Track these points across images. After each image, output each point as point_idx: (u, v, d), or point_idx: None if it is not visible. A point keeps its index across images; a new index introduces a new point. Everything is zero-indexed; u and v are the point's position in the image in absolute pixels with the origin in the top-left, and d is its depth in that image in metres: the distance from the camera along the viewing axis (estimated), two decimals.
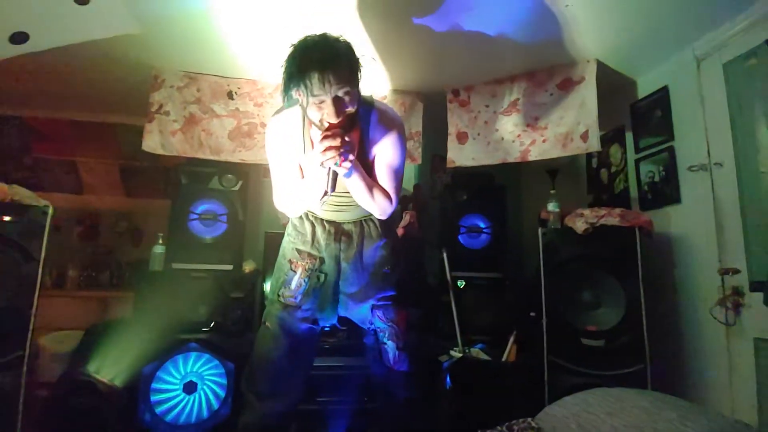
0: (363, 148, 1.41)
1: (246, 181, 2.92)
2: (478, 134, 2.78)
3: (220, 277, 2.68)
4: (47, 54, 2.32)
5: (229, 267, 2.73)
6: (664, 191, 2.45)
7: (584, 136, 2.44)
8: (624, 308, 2.26)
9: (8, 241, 2.04)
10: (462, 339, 2.64)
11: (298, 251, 1.58)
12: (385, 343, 1.57)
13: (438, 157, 3.43)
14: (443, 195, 3.30)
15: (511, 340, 2.56)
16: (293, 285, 1.54)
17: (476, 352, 2.64)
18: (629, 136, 2.77)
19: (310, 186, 1.38)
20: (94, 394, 2.25)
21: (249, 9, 2.09)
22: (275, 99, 2.84)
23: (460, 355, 2.47)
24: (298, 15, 2.09)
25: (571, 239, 2.37)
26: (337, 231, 1.58)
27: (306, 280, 1.54)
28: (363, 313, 1.61)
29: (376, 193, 1.43)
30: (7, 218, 2.05)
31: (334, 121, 1.21)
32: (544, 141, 2.58)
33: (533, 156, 2.60)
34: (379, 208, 1.46)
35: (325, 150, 1.20)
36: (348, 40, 1.25)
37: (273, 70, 2.72)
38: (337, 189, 1.41)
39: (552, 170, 3.13)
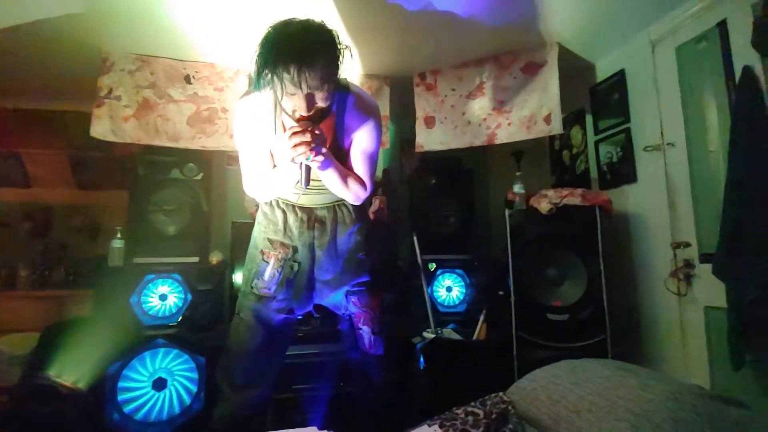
0: (337, 135, 1.38)
1: (209, 170, 2.81)
2: (446, 118, 2.79)
3: (185, 269, 2.59)
4: None
5: (195, 259, 2.65)
6: (622, 171, 2.56)
7: (547, 119, 2.50)
8: (585, 284, 2.37)
9: None
10: (434, 320, 2.70)
11: (270, 241, 1.54)
12: (361, 329, 1.57)
13: (406, 142, 3.43)
14: (412, 179, 3.32)
15: (481, 318, 2.64)
16: (266, 276, 1.50)
17: (448, 332, 2.71)
18: (589, 119, 2.86)
19: (282, 174, 1.35)
20: (56, 399, 2.14)
21: None
22: (236, 83, 2.74)
23: (433, 336, 2.52)
24: None
25: (537, 219, 2.45)
26: (310, 218, 1.54)
27: (279, 270, 1.51)
28: (338, 299, 1.60)
29: (351, 181, 1.42)
30: None
31: (306, 113, 1.17)
32: (509, 124, 2.62)
33: (499, 139, 2.64)
34: (354, 195, 1.45)
35: (295, 146, 1.16)
36: (332, 29, 1.17)
37: (233, 53, 2.61)
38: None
39: (517, 153, 3.19)
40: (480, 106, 2.69)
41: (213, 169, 2.86)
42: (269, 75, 1.09)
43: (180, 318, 2.55)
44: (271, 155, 1.43)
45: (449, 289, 3.00)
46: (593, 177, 2.81)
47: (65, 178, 3.57)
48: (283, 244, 1.54)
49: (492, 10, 2.20)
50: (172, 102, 2.60)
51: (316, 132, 1.18)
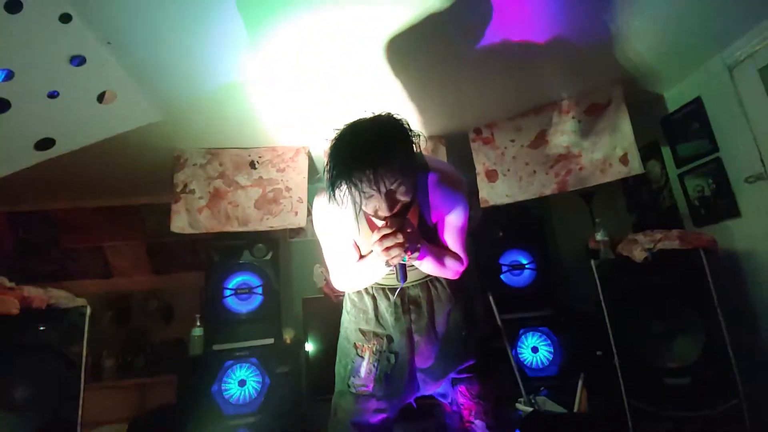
0: (424, 216, 1.30)
1: (276, 249, 2.86)
2: (508, 170, 2.69)
3: (262, 352, 2.56)
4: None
5: (270, 340, 2.62)
6: (719, 205, 2.31)
7: (623, 160, 2.34)
8: (703, 338, 2.07)
9: (50, 350, 1.97)
10: (524, 387, 2.46)
11: (362, 332, 1.44)
12: (473, 422, 1.40)
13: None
14: (477, 234, 3.19)
15: (580, 385, 2.36)
16: (362, 372, 1.39)
17: (543, 400, 2.44)
18: (666, 151, 2.66)
19: (371, 265, 1.28)
20: None
21: (268, 79, 2.08)
22: (297, 162, 2.82)
23: (530, 409, 2.27)
24: (320, 73, 2.07)
25: (629, 268, 2.23)
26: (404, 300, 1.42)
27: (376, 364, 1.39)
28: (443, 390, 1.46)
29: (448, 260, 1.33)
30: (43, 327, 1.99)
31: (390, 213, 1.08)
32: (580, 169, 2.48)
33: (571, 185, 2.50)
34: (452, 272, 1.36)
35: (387, 249, 1.09)
36: (401, 120, 1.10)
37: (291, 135, 2.71)
38: None
39: (587, 194, 3.02)
40: (544, 154, 2.58)
41: (279, 247, 2.90)
42: (345, 179, 1.04)
43: (260, 404, 2.48)
44: (356, 246, 1.38)
45: (535, 350, 2.76)
46: (683, 213, 2.56)
47: (142, 265, 3.78)
48: (376, 335, 1.43)
49: (546, 56, 2.15)
50: (239, 188, 2.71)
51: (408, 230, 1.10)
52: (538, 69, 2.25)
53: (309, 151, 2.86)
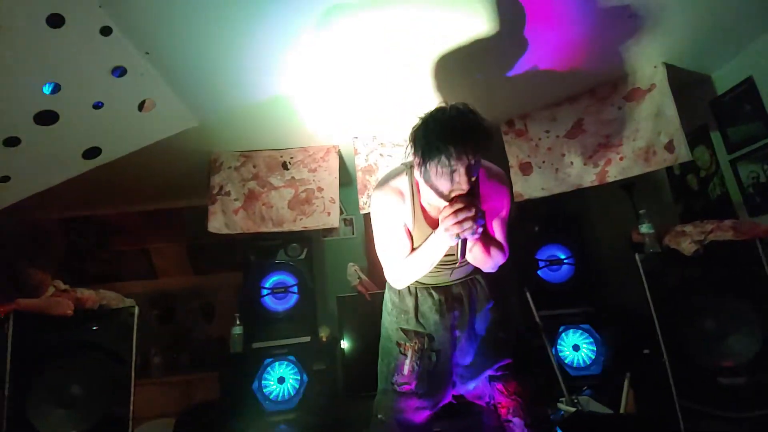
0: None
1: (310, 248, 2.90)
2: (543, 162, 2.60)
3: (299, 350, 2.61)
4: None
5: (307, 338, 2.67)
6: None
7: (669, 147, 2.21)
8: (762, 335, 1.93)
9: (102, 349, 2.08)
10: (566, 387, 2.38)
11: (404, 331, 1.47)
12: (511, 421, 1.38)
13: None
14: (513, 228, 3.10)
15: (626, 385, 2.26)
16: (406, 370, 1.43)
17: (586, 400, 2.36)
18: (716, 136, 2.49)
19: (431, 249, 1.30)
20: None
21: (301, 86, 2.11)
22: (328, 161, 2.84)
23: (572, 409, 2.20)
24: (355, 74, 2.08)
25: (678, 262, 2.11)
26: (447, 297, 1.46)
27: (418, 362, 1.43)
28: (480, 387, 1.45)
29: (493, 250, 1.35)
30: (96, 327, 2.10)
31: (467, 188, 1.15)
32: (621, 159, 2.36)
33: (612, 176, 2.38)
34: (494, 262, 1.37)
35: (460, 222, 1.13)
36: (474, 109, 1.20)
37: (322, 135, 2.73)
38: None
39: (628, 185, 2.88)
40: (582, 144, 2.48)
41: (313, 246, 2.94)
42: (436, 152, 1.12)
43: (298, 401, 2.53)
44: (410, 237, 1.38)
45: (576, 348, 2.67)
46: (736, 201, 2.39)
47: (184, 266, 3.94)
48: (417, 333, 1.46)
49: (577, 48, 2.06)
50: (273, 189, 2.76)
51: (478, 205, 1.16)
52: (570, 59, 2.15)
53: (339, 150, 2.87)
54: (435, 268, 1.38)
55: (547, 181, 2.58)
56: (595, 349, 2.64)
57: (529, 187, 2.64)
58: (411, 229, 1.37)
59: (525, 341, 2.63)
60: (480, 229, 1.16)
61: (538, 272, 2.85)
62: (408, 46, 1.91)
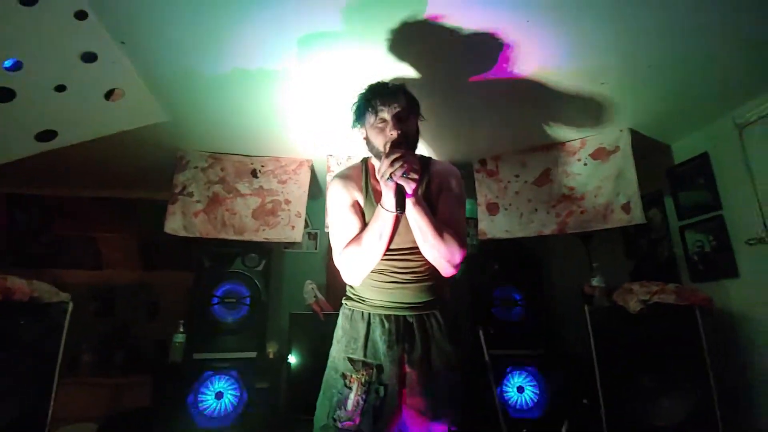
0: (425, 191, 1.37)
1: (269, 259, 2.82)
2: (510, 204, 2.68)
3: (243, 366, 2.50)
4: None
5: (253, 354, 2.57)
6: (719, 263, 2.29)
7: (626, 207, 2.33)
8: (694, 398, 2.03)
9: (26, 345, 1.92)
10: (505, 426, 2.40)
11: (352, 361, 1.36)
12: None
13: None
14: (473, 265, 3.15)
15: (564, 431, 2.31)
16: (349, 405, 1.31)
17: None
18: (669, 202, 2.65)
19: (374, 229, 1.27)
20: None
21: (277, 91, 2.08)
22: (299, 175, 2.80)
23: None
24: (324, 94, 2.08)
25: (623, 318, 2.20)
26: (398, 328, 1.37)
27: (364, 396, 1.32)
28: None
29: (446, 234, 1.28)
30: (23, 322, 1.94)
31: (396, 134, 1.27)
32: (582, 212, 2.46)
33: (571, 228, 2.48)
34: (449, 253, 1.28)
35: (392, 161, 1.15)
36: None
37: (296, 147, 2.69)
38: (399, 245, 1.34)
39: (586, 236, 3.00)
40: (548, 193, 2.57)
41: (272, 258, 2.86)
42: (365, 106, 1.32)
43: (234, 418, 2.42)
44: (362, 219, 1.38)
45: (521, 390, 2.71)
46: (681, 266, 2.54)
47: (132, 259, 3.73)
48: (365, 364, 1.36)
49: (555, 102, 2.15)
50: (239, 196, 2.68)
51: (411, 153, 1.22)
52: (550, 108, 2.25)
53: (312, 165, 2.84)
54: (389, 277, 1.36)
55: (512, 224, 2.65)
56: (538, 392, 2.69)
57: (494, 227, 2.70)
58: (363, 208, 1.39)
59: (473, 380, 2.65)
60: (413, 174, 1.16)
61: (493, 310, 2.89)
62: (375, 76, 1.90)
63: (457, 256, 1.30)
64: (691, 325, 2.08)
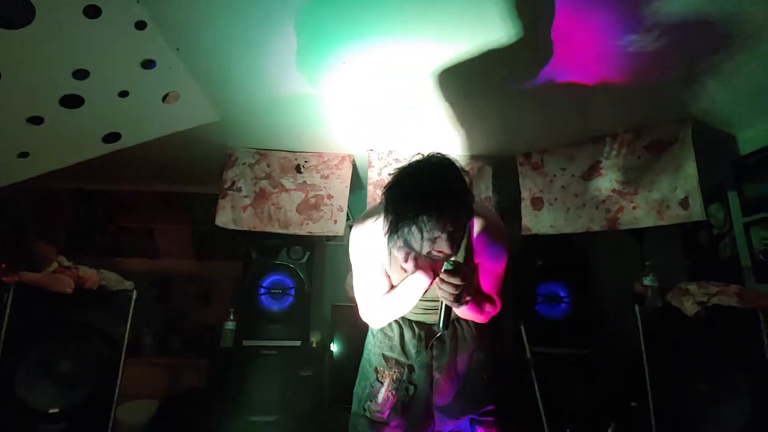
0: (465, 248, 1.29)
1: (312, 252, 2.90)
2: (555, 199, 2.59)
3: (288, 354, 2.62)
4: None
5: (297, 343, 2.67)
6: None
7: (683, 203, 2.19)
8: (750, 407, 1.91)
9: (96, 330, 2.11)
10: (549, 427, 2.37)
11: (385, 358, 1.43)
12: None
13: (509, 220, 3.25)
14: (517, 260, 3.09)
15: None
16: (380, 398, 1.39)
17: None
18: (732, 196, 2.46)
19: (404, 294, 1.27)
20: None
21: (320, 94, 2.12)
22: (341, 170, 2.85)
23: None
24: (372, 89, 2.09)
25: (678, 321, 2.09)
26: (428, 335, 1.42)
27: (394, 392, 1.39)
28: (460, 428, 1.43)
29: (485, 306, 1.31)
30: (93, 309, 2.13)
31: (450, 253, 1.07)
32: (634, 208, 2.34)
33: (623, 224, 2.37)
34: (485, 317, 1.34)
35: (451, 294, 1.11)
36: (457, 162, 1.10)
37: (338, 142, 2.73)
38: (429, 297, 1.29)
39: (638, 232, 2.85)
40: (597, 187, 2.46)
41: (315, 251, 2.94)
42: (409, 222, 1.02)
43: (281, 404, 2.54)
44: (387, 277, 1.37)
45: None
46: (745, 266, 2.36)
47: (186, 249, 3.97)
48: (398, 363, 1.42)
49: (605, 91, 2.04)
50: (284, 191, 2.77)
51: (467, 274, 1.11)
52: (600, 100, 2.14)
53: (353, 160, 2.88)
54: (421, 309, 1.37)
55: (557, 219, 2.57)
56: (583, 393, 2.62)
57: (538, 222, 2.63)
58: (388, 270, 1.31)
59: (514, 376, 2.63)
60: (467, 298, 1.13)
61: (537, 307, 2.83)
62: (421, 72, 1.92)
63: (492, 315, 1.35)
64: (753, 330, 1.94)
